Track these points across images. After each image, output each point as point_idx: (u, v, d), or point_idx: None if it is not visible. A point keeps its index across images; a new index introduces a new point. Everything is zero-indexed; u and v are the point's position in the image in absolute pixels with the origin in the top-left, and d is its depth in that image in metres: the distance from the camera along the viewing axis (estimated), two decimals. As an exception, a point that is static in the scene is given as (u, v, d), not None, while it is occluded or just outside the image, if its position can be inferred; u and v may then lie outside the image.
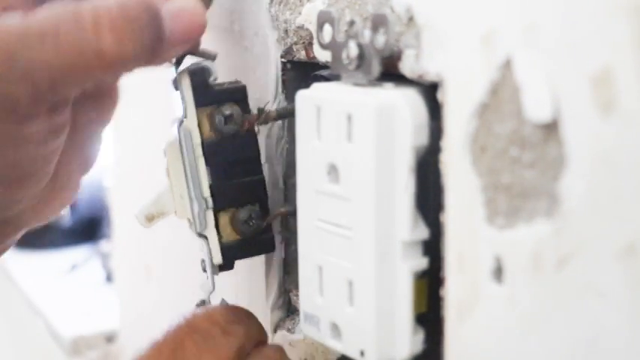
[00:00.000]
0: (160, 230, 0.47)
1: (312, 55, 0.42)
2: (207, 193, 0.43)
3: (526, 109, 0.30)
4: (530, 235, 0.30)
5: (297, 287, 0.46)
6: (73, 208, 1.23)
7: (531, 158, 0.30)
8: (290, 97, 0.45)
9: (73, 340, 0.92)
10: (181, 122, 0.42)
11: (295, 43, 0.43)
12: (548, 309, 0.30)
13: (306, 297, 0.39)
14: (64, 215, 1.21)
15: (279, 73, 0.45)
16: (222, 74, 0.43)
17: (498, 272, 0.32)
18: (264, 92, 0.46)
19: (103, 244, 1.15)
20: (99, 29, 0.36)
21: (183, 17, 0.38)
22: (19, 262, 1.16)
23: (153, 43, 0.37)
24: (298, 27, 0.43)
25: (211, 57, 0.42)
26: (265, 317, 0.48)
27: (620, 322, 0.28)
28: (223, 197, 0.43)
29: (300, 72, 0.45)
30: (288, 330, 0.47)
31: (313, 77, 0.41)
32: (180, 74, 0.42)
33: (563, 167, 0.29)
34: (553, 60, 0.29)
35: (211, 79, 0.42)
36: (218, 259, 0.43)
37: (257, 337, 0.42)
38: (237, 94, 0.43)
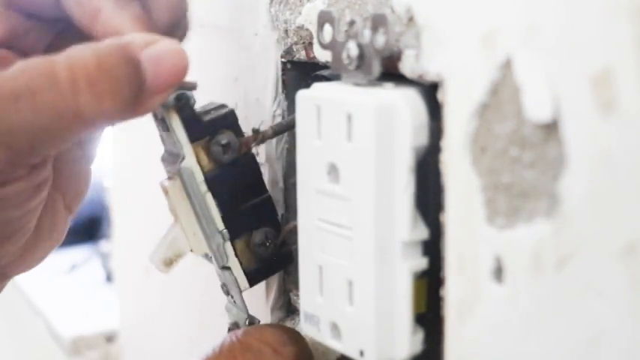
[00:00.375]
0: (160, 230, 0.47)
1: (312, 55, 0.42)
2: (221, 226, 0.43)
3: (526, 109, 0.30)
4: (530, 235, 0.30)
5: (297, 287, 0.46)
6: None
7: (531, 158, 0.30)
8: (290, 97, 0.45)
9: (73, 340, 0.92)
10: (180, 161, 0.41)
11: (295, 43, 0.43)
12: (548, 309, 0.30)
13: (306, 297, 0.39)
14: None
15: (279, 73, 0.45)
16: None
17: (498, 272, 0.32)
18: (264, 92, 0.46)
19: (103, 244, 1.15)
20: (76, 87, 0.34)
21: (165, 62, 0.36)
22: (19, 262, 1.16)
23: (134, 95, 0.35)
24: (298, 27, 0.43)
25: (193, 87, 0.41)
26: (265, 317, 0.48)
27: (620, 322, 0.28)
28: (236, 225, 0.43)
29: (300, 72, 0.45)
30: (288, 330, 0.47)
31: (314, 77, 0.41)
32: (168, 113, 0.41)
33: (563, 167, 0.29)
34: (553, 60, 0.29)
35: (191, 103, 0.42)
36: (245, 285, 0.44)
37: (307, 358, 0.42)
38: (227, 119, 0.42)
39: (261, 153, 0.45)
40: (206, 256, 0.44)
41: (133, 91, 0.35)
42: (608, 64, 0.27)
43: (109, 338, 0.91)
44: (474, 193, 0.33)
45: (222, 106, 0.43)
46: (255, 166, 0.44)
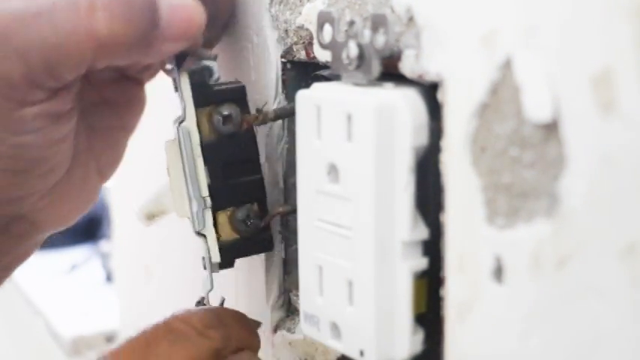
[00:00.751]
0: (160, 230, 0.47)
1: (312, 55, 0.42)
2: (205, 192, 0.43)
3: (526, 109, 0.30)
4: (530, 235, 0.30)
5: (297, 287, 0.46)
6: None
7: (531, 158, 0.30)
8: (290, 97, 0.45)
9: (73, 340, 0.92)
10: (181, 122, 0.42)
11: (295, 43, 0.43)
12: (548, 309, 0.30)
13: (306, 297, 0.39)
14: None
15: (279, 73, 0.45)
16: (222, 74, 0.43)
17: (498, 272, 0.32)
18: (264, 92, 0.46)
19: (103, 244, 1.15)
20: (93, 9, 0.36)
21: (180, 11, 0.38)
22: (19, 262, 1.16)
23: (147, 29, 0.37)
24: (298, 27, 0.43)
25: (211, 57, 0.42)
26: (265, 317, 0.48)
27: (620, 322, 0.28)
28: (222, 197, 0.43)
29: (300, 72, 0.45)
30: (288, 330, 0.47)
31: (314, 77, 0.41)
32: (180, 74, 0.42)
33: (563, 167, 0.29)
34: (553, 60, 0.29)
35: (214, 78, 0.42)
36: (216, 257, 0.43)
37: (240, 342, 0.42)
38: (236, 93, 0.43)
39: (261, 153, 0.45)
40: (189, 220, 0.44)
41: (146, 26, 0.37)
42: (608, 64, 0.27)
43: (109, 338, 0.92)
44: (474, 193, 0.33)
45: (237, 81, 0.44)
46: (254, 147, 0.44)
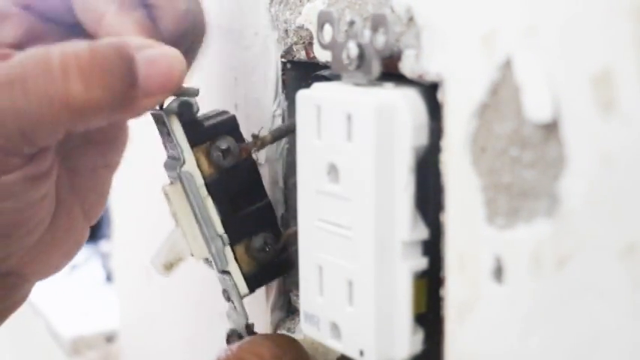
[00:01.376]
0: (160, 230, 0.47)
1: (312, 55, 0.42)
2: (221, 230, 0.43)
3: (526, 109, 0.30)
4: (530, 235, 0.30)
5: (297, 287, 0.46)
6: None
7: (531, 158, 0.30)
8: (290, 97, 0.45)
9: (73, 340, 0.92)
10: (181, 165, 0.42)
11: (295, 43, 0.43)
12: (548, 309, 0.30)
13: (306, 297, 0.39)
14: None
15: (279, 73, 0.45)
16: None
17: (498, 272, 0.32)
18: (264, 92, 0.46)
19: (103, 244, 1.15)
20: (67, 74, 0.35)
21: (159, 64, 0.36)
22: (19, 262, 1.16)
23: (124, 89, 0.35)
24: (298, 27, 0.43)
25: (194, 94, 0.42)
26: (265, 317, 0.48)
27: (620, 322, 0.28)
28: (235, 230, 0.43)
29: (300, 72, 0.45)
30: (288, 330, 0.47)
31: (315, 77, 0.41)
32: (168, 117, 0.41)
33: (563, 167, 0.29)
34: (553, 60, 0.29)
35: (195, 110, 0.42)
36: (244, 290, 0.44)
37: None
38: (228, 125, 0.43)
39: (261, 153, 0.46)
40: (206, 260, 0.44)
41: (123, 86, 0.35)
42: (608, 64, 0.27)
43: (109, 338, 0.91)
44: (474, 193, 0.33)
45: (224, 112, 0.43)
46: (255, 172, 0.44)
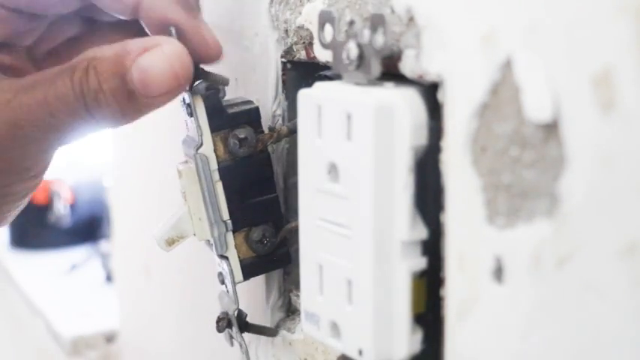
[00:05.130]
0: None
1: (312, 55, 0.42)
2: (226, 216, 0.43)
3: (526, 109, 0.30)
4: (531, 235, 0.30)
5: (297, 287, 0.46)
6: (73, 208, 1.23)
7: (531, 158, 0.30)
8: (290, 97, 0.45)
9: (73, 340, 0.92)
10: (197, 147, 0.42)
11: (295, 43, 0.43)
12: (548, 309, 0.30)
13: (307, 295, 0.39)
14: (65, 215, 1.21)
15: (279, 73, 0.45)
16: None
17: (498, 272, 0.32)
18: (264, 92, 0.46)
19: (103, 244, 1.15)
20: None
21: (154, 69, 0.37)
22: (19, 262, 1.16)
23: (125, 105, 0.38)
24: (298, 27, 0.43)
25: (224, 83, 0.42)
26: (265, 317, 0.48)
27: (620, 322, 0.28)
28: (238, 218, 0.44)
29: (301, 72, 0.45)
30: (288, 330, 0.47)
31: (316, 77, 0.41)
32: (194, 100, 0.42)
33: (563, 167, 0.29)
34: (553, 60, 0.29)
35: (221, 95, 0.43)
36: (239, 277, 0.44)
37: None
38: (250, 115, 0.43)
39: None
40: (207, 242, 0.45)
41: (121, 103, 0.38)
42: (608, 64, 0.27)
43: (109, 338, 0.92)
44: (474, 193, 0.33)
45: (249, 101, 0.44)
46: (269, 166, 0.44)
